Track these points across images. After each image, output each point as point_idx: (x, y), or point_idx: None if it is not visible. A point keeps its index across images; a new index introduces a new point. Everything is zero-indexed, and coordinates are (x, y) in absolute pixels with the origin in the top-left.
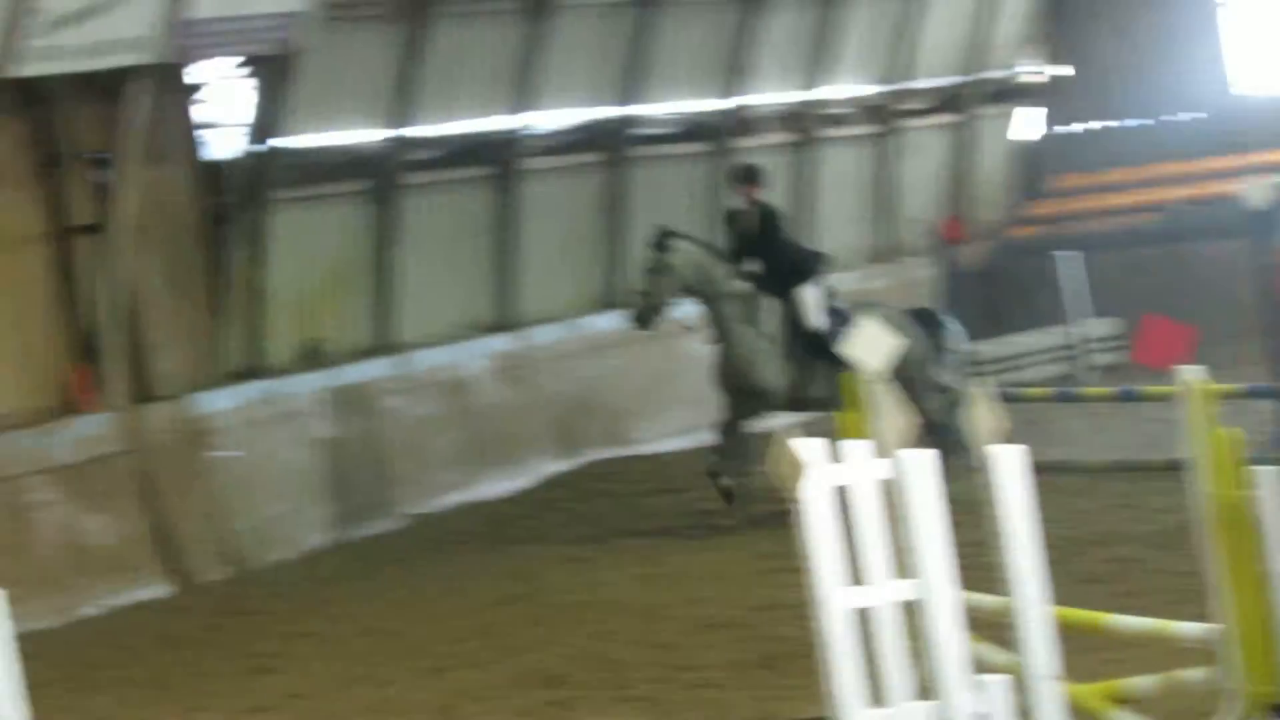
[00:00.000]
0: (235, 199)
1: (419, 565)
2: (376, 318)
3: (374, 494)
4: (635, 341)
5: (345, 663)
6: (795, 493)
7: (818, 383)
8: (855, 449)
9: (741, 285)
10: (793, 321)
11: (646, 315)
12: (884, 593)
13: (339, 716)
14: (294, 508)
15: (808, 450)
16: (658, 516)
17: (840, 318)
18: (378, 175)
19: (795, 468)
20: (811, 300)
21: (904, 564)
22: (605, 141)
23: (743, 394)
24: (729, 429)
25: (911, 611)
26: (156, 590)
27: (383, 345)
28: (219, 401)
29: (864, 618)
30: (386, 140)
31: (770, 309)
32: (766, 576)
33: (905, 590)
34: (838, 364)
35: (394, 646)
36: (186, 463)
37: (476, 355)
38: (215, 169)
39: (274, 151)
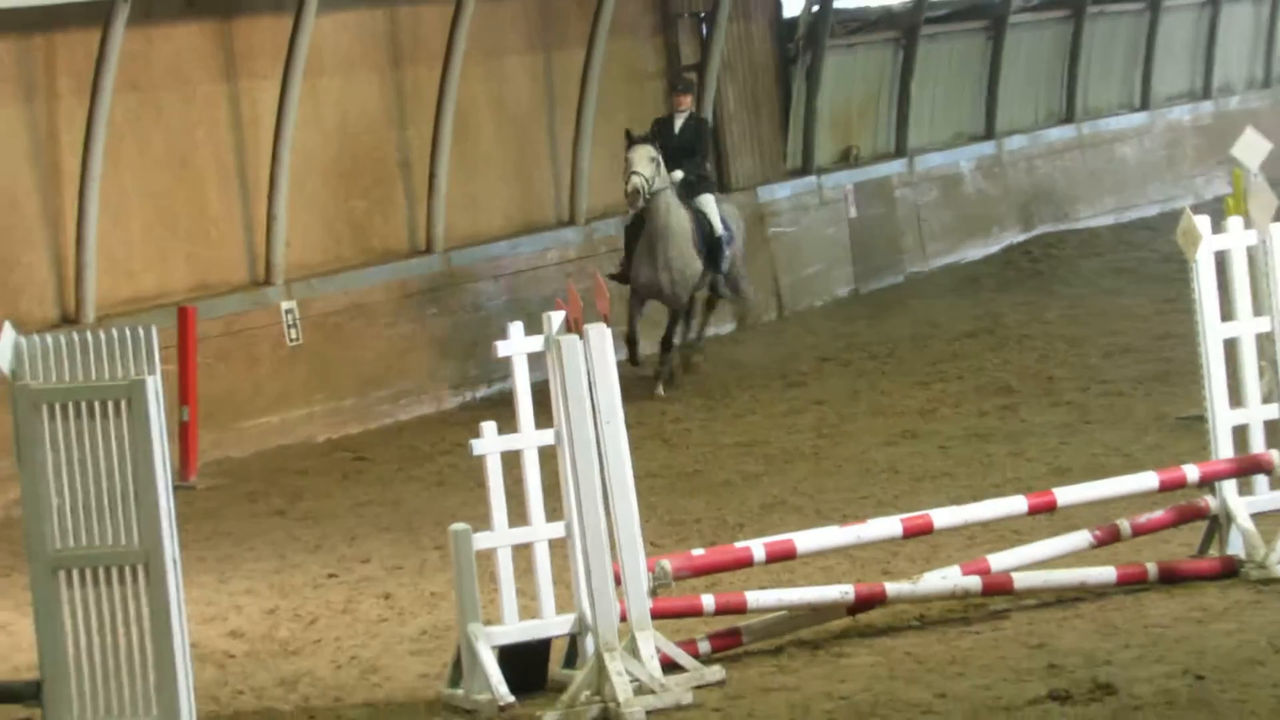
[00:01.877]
0: (799, 45)
1: (914, 309)
2: (895, 130)
3: (885, 259)
4: (1079, 147)
5: (856, 378)
6: (1192, 255)
7: (703, 283)
8: (1234, 223)
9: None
10: (700, 227)
11: (640, 188)
12: (1249, 326)
13: (849, 417)
14: (826, 268)
15: (1202, 224)
16: (1087, 274)
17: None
18: (902, 28)
19: (1193, 237)
20: (716, 209)
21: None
22: (1071, 2)
23: (673, 288)
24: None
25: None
26: (723, 328)
27: (898, 150)
28: (778, 192)
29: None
30: (909, 1)
31: (682, 213)
32: (1164, 315)
33: (1263, 323)
34: (719, 267)
35: (892, 367)
36: (752, 236)
37: (964, 158)
38: (786, 23)
39: (829, 9)
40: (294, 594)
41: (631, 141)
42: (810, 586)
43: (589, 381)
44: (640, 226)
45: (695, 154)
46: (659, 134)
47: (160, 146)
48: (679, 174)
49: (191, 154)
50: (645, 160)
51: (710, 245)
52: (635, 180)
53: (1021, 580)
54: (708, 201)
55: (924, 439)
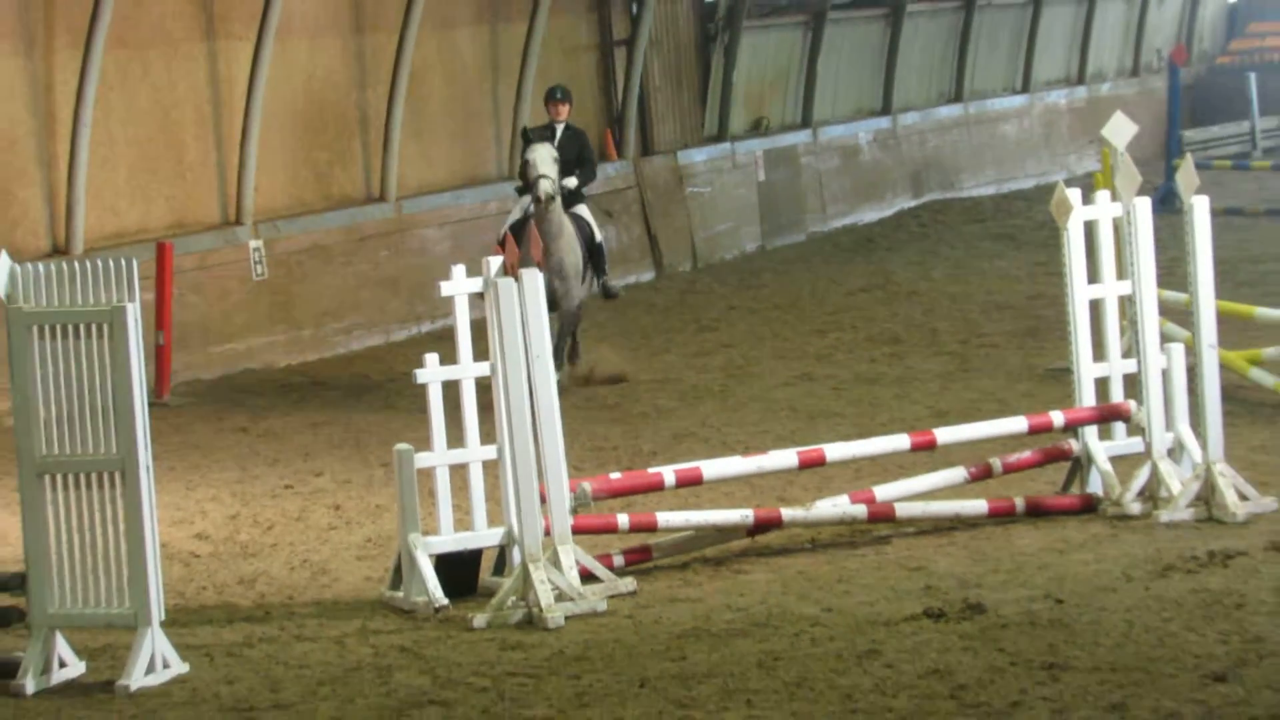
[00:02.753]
0: (719, 25)
1: (814, 264)
2: (802, 104)
3: (790, 218)
4: (966, 124)
5: (761, 325)
6: (1063, 224)
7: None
8: (1102, 196)
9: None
10: (583, 232)
11: (553, 193)
12: (1112, 289)
13: (754, 359)
14: (737, 225)
15: (1073, 196)
16: (970, 237)
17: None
18: (811, 12)
19: (1065, 207)
20: (592, 217)
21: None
22: None
23: (567, 294)
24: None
25: (1127, 302)
26: (644, 276)
27: (804, 122)
28: (696, 156)
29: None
30: None
31: (567, 219)
32: (1036, 277)
33: (1125, 287)
34: (602, 271)
35: (793, 316)
36: (671, 195)
37: (863, 130)
38: (708, 5)
39: None
40: (254, 502)
41: (529, 140)
42: (715, 510)
43: (522, 320)
44: (523, 226)
45: (584, 164)
46: (541, 141)
47: (145, 98)
48: (573, 181)
49: (173, 106)
50: (550, 161)
51: (593, 251)
52: (546, 185)
53: (903, 510)
54: (585, 210)
55: (820, 381)
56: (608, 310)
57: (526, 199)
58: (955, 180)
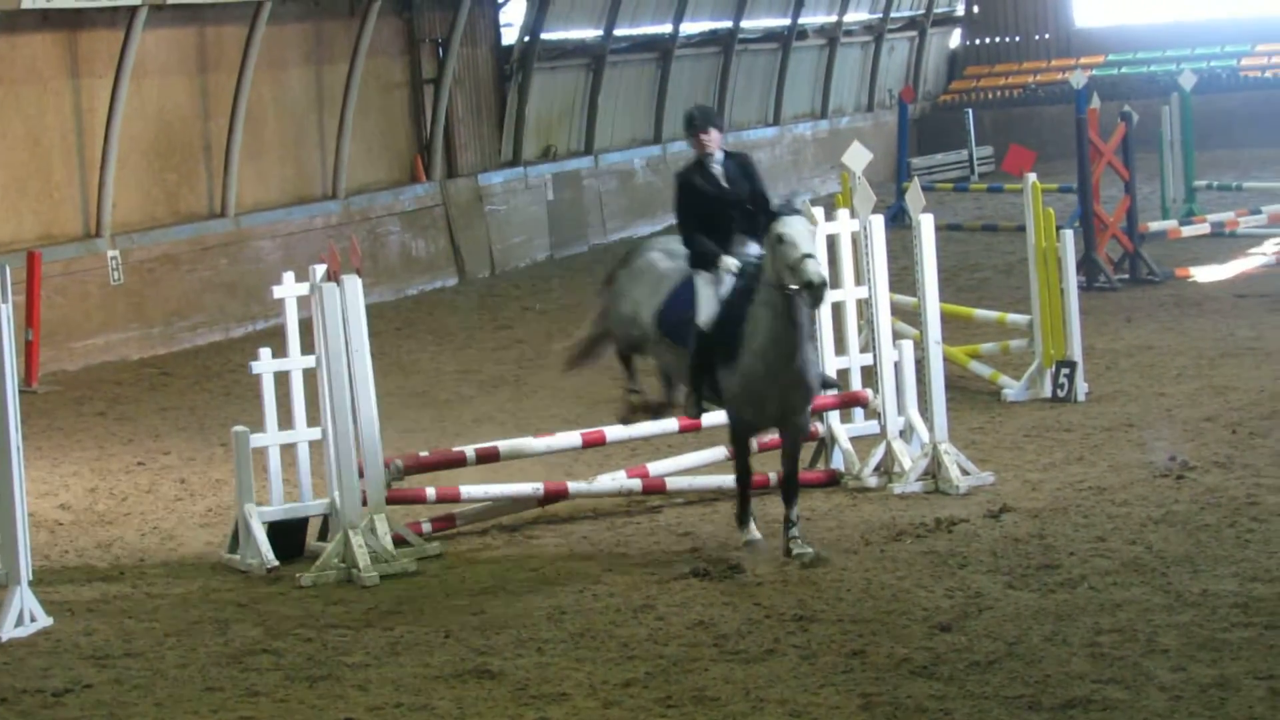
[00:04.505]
0: (514, 66)
1: (595, 271)
2: (585, 134)
3: (574, 232)
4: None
5: (549, 323)
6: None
7: None
8: (842, 214)
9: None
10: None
11: (827, 284)
12: (852, 293)
13: (543, 353)
14: (529, 238)
15: (817, 214)
16: None
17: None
18: (593, 56)
19: (811, 223)
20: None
21: (858, 272)
22: (721, 40)
23: (805, 407)
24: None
25: (864, 304)
26: (448, 282)
27: (587, 149)
28: (494, 178)
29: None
30: (598, 36)
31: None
32: None
33: (862, 291)
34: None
35: (577, 315)
36: (473, 211)
37: (637, 157)
38: (505, 49)
39: (537, 40)
40: (110, 477)
41: (777, 212)
42: (510, 483)
43: (343, 319)
44: (737, 323)
45: (755, 199)
46: (702, 192)
47: (18, 127)
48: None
49: (42, 134)
50: (812, 238)
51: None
52: (817, 271)
53: (673, 483)
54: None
55: (600, 371)
56: (417, 311)
57: (722, 275)
58: None
